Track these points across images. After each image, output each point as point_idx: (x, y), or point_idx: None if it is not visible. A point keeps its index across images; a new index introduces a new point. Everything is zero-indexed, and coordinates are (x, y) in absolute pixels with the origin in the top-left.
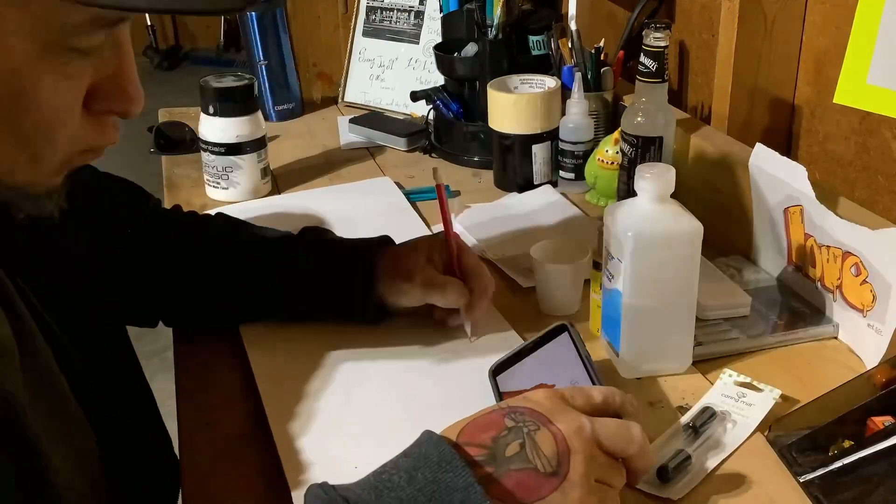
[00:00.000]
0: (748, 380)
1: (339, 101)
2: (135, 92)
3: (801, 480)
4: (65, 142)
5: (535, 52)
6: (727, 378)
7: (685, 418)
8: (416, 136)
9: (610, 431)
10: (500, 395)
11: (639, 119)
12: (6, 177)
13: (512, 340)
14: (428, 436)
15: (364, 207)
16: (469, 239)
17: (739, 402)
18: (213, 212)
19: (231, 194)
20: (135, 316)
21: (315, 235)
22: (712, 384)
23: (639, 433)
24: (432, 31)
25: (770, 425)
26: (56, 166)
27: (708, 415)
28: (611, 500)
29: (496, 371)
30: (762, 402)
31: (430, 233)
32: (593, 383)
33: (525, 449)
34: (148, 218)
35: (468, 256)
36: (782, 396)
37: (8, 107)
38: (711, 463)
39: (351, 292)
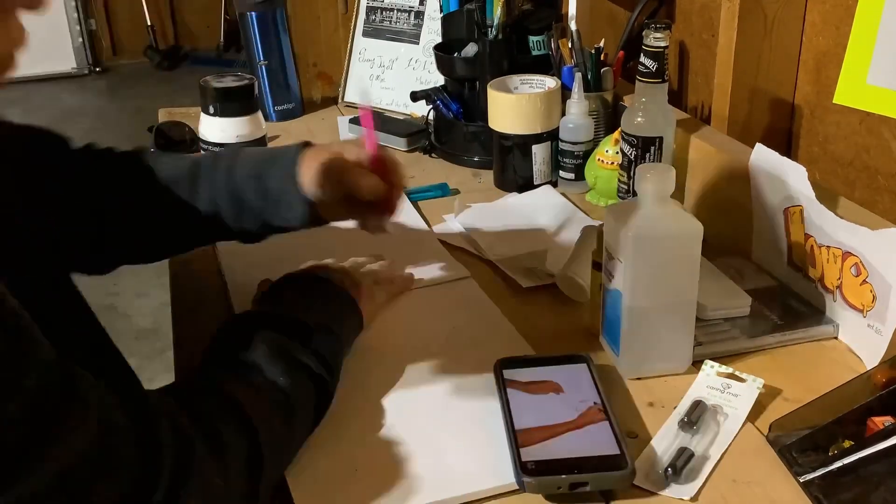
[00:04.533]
0: (730, 370)
1: (339, 101)
2: None
3: (801, 480)
4: None
5: (535, 52)
6: (709, 369)
7: (677, 414)
8: (416, 136)
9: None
10: (504, 388)
11: (639, 119)
12: None
13: (516, 343)
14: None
15: None
16: (469, 238)
17: (726, 394)
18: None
19: None
20: (81, 264)
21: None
22: None
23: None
24: (432, 31)
25: (770, 425)
26: None
27: (702, 410)
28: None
29: (504, 365)
30: (747, 392)
31: (430, 231)
32: (605, 412)
33: None
34: (73, 161)
35: (383, 152)
36: (783, 397)
37: None
38: (713, 458)
39: (278, 186)
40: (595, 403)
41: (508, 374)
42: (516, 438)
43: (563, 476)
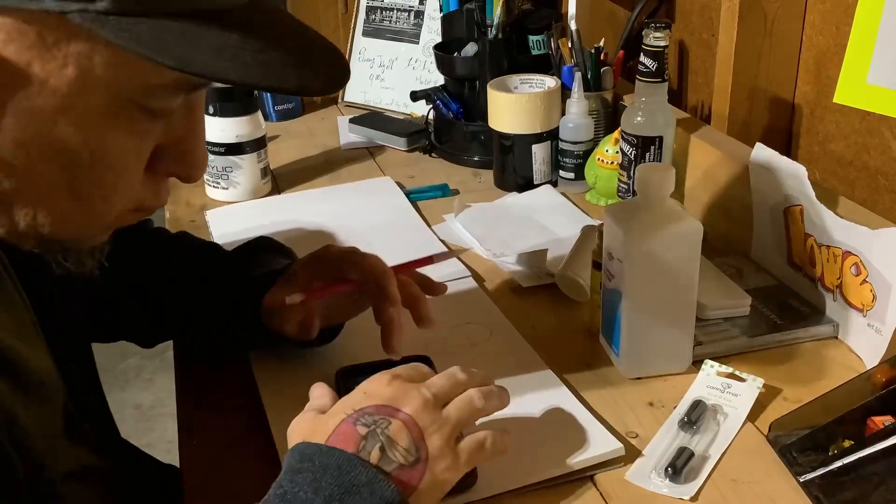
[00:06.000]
0: (730, 370)
1: (339, 101)
2: (202, 158)
3: (801, 480)
4: (121, 200)
5: (535, 52)
6: (709, 369)
7: (677, 414)
8: (416, 136)
9: (445, 390)
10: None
11: (639, 119)
12: (54, 228)
13: (516, 343)
14: (315, 448)
15: (364, 207)
16: (469, 238)
17: (726, 394)
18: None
19: (231, 194)
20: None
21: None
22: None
23: (463, 376)
24: (432, 31)
25: (770, 425)
26: (106, 224)
27: (702, 409)
28: (473, 444)
29: (344, 374)
30: (747, 391)
31: (430, 232)
32: None
33: (386, 452)
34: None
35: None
36: (783, 397)
37: (70, 159)
38: (713, 458)
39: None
40: None
41: (349, 384)
42: None
43: None
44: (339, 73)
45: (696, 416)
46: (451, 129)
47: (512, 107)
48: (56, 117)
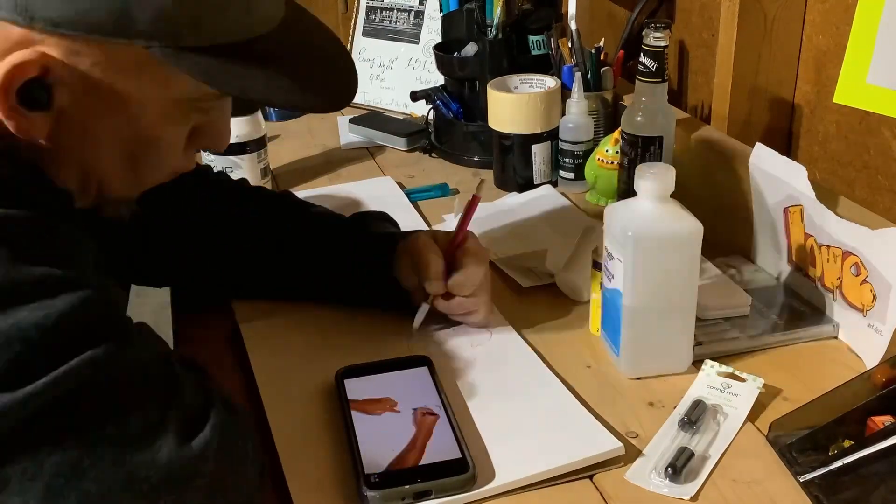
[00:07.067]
0: (730, 370)
1: None
2: (228, 135)
3: (801, 480)
4: (165, 171)
5: (535, 52)
6: (710, 369)
7: (677, 413)
8: (416, 136)
9: None
10: (346, 400)
11: (639, 119)
12: (111, 191)
13: (513, 341)
14: None
15: (364, 207)
16: None
17: (726, 394)
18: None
19: None
20: (150, 277)
21: (354, 221)
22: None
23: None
24: (432, 31)
25: (770, 425)
26: (149, 187)
27: (702, 409)
28: None
29: (344, 374)
30: (747, 391)
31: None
32: (448, 415)
33: None
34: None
35: (471, 241)
36: (783, 397)
37: (137, 147)
38: (713, 458)
39: (371, 280)
40: (437, 407)
41: (349, 385)
42: (360, 455)
43: (407, 487)
44: (351, 88)
45: (696, 416)
46: (451, 129)
47: (512, 107)
48: (129, 121)
